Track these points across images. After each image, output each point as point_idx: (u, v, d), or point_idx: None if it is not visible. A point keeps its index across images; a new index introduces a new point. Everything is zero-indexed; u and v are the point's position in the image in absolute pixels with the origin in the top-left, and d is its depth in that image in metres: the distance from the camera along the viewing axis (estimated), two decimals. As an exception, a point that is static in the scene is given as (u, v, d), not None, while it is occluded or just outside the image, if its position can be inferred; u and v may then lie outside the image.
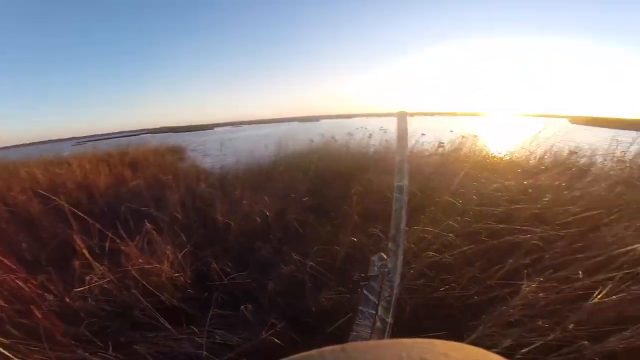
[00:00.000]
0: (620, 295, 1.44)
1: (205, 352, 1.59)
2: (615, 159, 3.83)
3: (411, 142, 6.51)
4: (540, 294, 1.57)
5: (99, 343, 1.69)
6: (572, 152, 4.60)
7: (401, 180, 1.09)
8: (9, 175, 5.47)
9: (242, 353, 1.63)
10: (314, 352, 0.23)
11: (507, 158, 5.04)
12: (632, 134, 3.89)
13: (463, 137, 5.96)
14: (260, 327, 1.67)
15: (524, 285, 1.55)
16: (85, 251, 2.28)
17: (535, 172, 3.81)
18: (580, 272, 1.63)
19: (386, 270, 0.89)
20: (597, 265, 1.69)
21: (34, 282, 2.13)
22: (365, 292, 0.88)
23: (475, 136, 5.97)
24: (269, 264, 2.20)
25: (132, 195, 3.83)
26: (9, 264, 2.21)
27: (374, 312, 0.83)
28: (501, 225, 2.34)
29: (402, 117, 1.19)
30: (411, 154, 5.87)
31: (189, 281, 2.20)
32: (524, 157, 4.71)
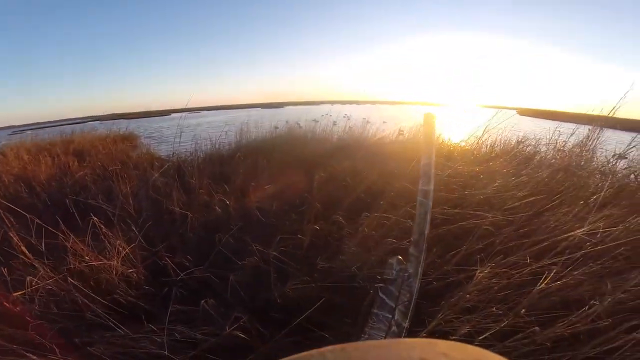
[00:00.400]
0: (563, 280, 1.54)
1: (166, 352, 1.51)
2: (556, 149, 4.11)
3: (373, 128, 6.75)
4: (493, 280, 1.62)
5: (49, 346, 1.55)
6: (519, 142, 4.93)
7: (427, 185, 1.06)
8: None
9: (206, 349, 1.57)
10: (313, 352, 0.23)
11: (461, 145, 5.28)
12: (572, 126, 4.22)
13: (420, 125, 6.12)
14: (224, 322, 1.61)
15: (478, 271, 1.61)
16: (24, 249, 2.08)
17: (486, 159, 4.02)
18: (527, 258, 1.72)
19: (406, 275, 0.87)
20: (542, 250, 1.78)
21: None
22: (381, 295, 0.87)
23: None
24: (231, 255, 2.12)
25: (79, 187, 3.55)
26: None
27: (390, 315, 0.82)
28: (455, 210, 2.43)
29: (429, 119, 1.17)
30: (374, 140, 6.03)
31: (142, 277, 2.07)
32: (476, 145, 4.94)
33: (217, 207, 2.63)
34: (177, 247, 2.35)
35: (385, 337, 0.79)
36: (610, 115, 3.66)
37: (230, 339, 1.53)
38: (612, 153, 3.49)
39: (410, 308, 0.83)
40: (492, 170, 3.41)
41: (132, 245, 2.16)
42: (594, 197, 2.27)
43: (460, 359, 0.23)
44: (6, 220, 2.35)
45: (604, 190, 2.23)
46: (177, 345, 1.59)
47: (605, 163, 3.42)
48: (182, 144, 6.94)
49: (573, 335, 1.36)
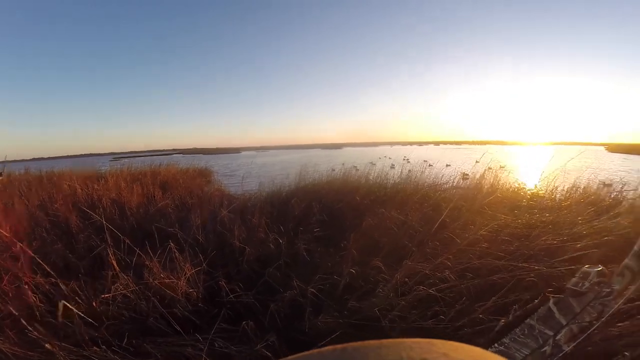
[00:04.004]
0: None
1: (204, 356, 1.79)
2: None
3: (434, 170, 6.44)
4: None
5: (113, 342, 1.93)
6: (604, 185, 4.57)
7: None
8: (52, 187, 6.00)
9: None
10: (314, 351, 0.23)
11: (532, 191, 4.95)
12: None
13: (489, 168, 5.80)
14: (257, 342, 1.86)
15: (502, 320, 1.62)
16: (114, 263, 2.57)
17: (558, 207, 3.82)
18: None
19: (605, 290, 0.65)
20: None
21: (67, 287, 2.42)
22: (552, 305, 0.69)
23: (503, 167, 5.88)
24: (275, 287, 2.39)
25: (161, 215, 4.14)
26: (47, 269, 2.53)
27: (552, 333, 0.66)
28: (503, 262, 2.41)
29: None
30: (433, 183, 5.79)
31: (200, 296, 2.42)
32: (549, 191, 4.67)
33: (271, 245, 2.95)
34: (233, 275, 2.69)
35: (529, 356, 0.64)
36: None
37: (259, 356, 1.77)
38: None
39: (587, 332, 0.65)
40: (562, 220, 3.24)
41: (198, 269, 2.53)
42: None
43: (460, 359, 0.23)
44: (106, 238, 2.91)
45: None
46: (214, 354, 1.86)
47: None
48: (248, 181, 7.53)
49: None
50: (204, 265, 2.63)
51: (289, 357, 0.25)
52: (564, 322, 0.66)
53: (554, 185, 4.77)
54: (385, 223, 3.60)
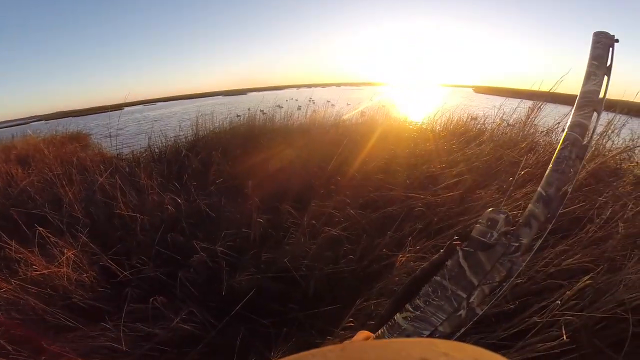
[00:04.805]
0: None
1: (123, 347, 1.63)
2: (501, 126, 4.41)
3: (336, 109, 6.83)
4: (416, 263, 1.77)
5: (11, 349, 1.63)
6: (471, 119, 5.36)
7: (584, 117, 0.62)
8: None
9: (159, 342, 1.70)
10: (314, 351, 0.23)
11: (418, 125, 5.61)
12: (519, 102, 4.55)
13: (383, 106, 6.44)
14: (174, 316, 1.73)
15: (399, 256, 1.77)
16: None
17: (436, 137, 4.30)
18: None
19: (513, 245, 0.59)
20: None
21: None
22: (462, 260, 0.62)
23: (392, 105, 6.47)
24: (181, 253, 2.21)
25: (25, 197, 3.43)
26: None
27: (465, 295, 0.60)
28: (392, 193, 2.61)
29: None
30: (339, 121, 6.05)
31: (95, 281, 2.13)
32: (430, 124, 5.27)
33: (168, 207, 2.67)
34: (131, 248, 2.40)
35: (445, 322, 0.60)
36: (552, 90, 3.82)
37: (180, 330, 1.67)
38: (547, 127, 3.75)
39: (499, 293, 0.60)
40: (440, 148, 3.66)
41: (74, 251, 2.20)
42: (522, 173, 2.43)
43: (461, 359, 0.23)
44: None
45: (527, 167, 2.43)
46: (133, 339, 1.71)
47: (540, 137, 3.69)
48: (135, 139, 6.69)
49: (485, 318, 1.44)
50: (91, 244, 2.27)
51: (289, 357, 0.23)
52: (476, 282, 0.61)
53: (433, 119, 5.45)
54: (291, 165, 3.58)
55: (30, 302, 1.95)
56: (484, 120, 4.96)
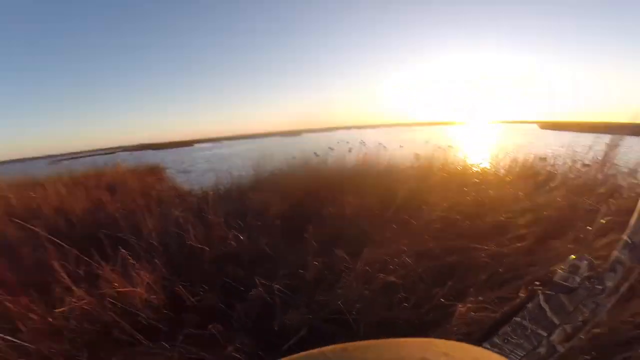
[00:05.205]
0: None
1: None
2: (574, 167, 4.08)
3: (389, 151, 6.65)
4: (478, 313, 1.70)
5: (79, 357, 1.84)
6: (540, 159, 4.96)
7: None
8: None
9: None
10: (315, 351, 0.24)
11: (479, 168, 5.28)
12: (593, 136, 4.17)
13: (439, 147, 6.09)
14: (227, 344, 1.86)
15: (460, 306, 1.72)
16: (64, 275, 2.41)
17: (502, 182, 4.07)
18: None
19: (597, 288, 0.60)
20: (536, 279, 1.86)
21: (19, 303, 2.25)
22: (542, 303, 0.64)
23: (451, 146, 6.19)
24: (240, 286, 2.37)
25: (111, 221, 3.91)
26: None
27: (545, 333, 0.61)
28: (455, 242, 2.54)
29: None
30: (388, 165, 5.93)
31: (162, 303, 2.35)
32: (493, 167, 4.97)
33: (231, 242, 2.90)
34: (194, 277, 2.62)
35: (524, 358, 0.61)
36: (634, 122, 3.48)
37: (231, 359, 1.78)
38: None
39: (581, 332, 0.60)
40: (505, 195, 3.45)
41: (154, 275, 2.45)
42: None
43: (460, 359, 0.23)
44: (49, 250, 2.71)
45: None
46: None
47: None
48: (204, 176, 7.25)
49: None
50: (163, 270, 2.54)
51: (290, 357, 0.25)
52: (557, 322, 0.63)
53: (497, 161, 5.11)
54: (345, 210, 3.67)
55: (102, 315, 2.20)
56: (554, 161, 4.64)
